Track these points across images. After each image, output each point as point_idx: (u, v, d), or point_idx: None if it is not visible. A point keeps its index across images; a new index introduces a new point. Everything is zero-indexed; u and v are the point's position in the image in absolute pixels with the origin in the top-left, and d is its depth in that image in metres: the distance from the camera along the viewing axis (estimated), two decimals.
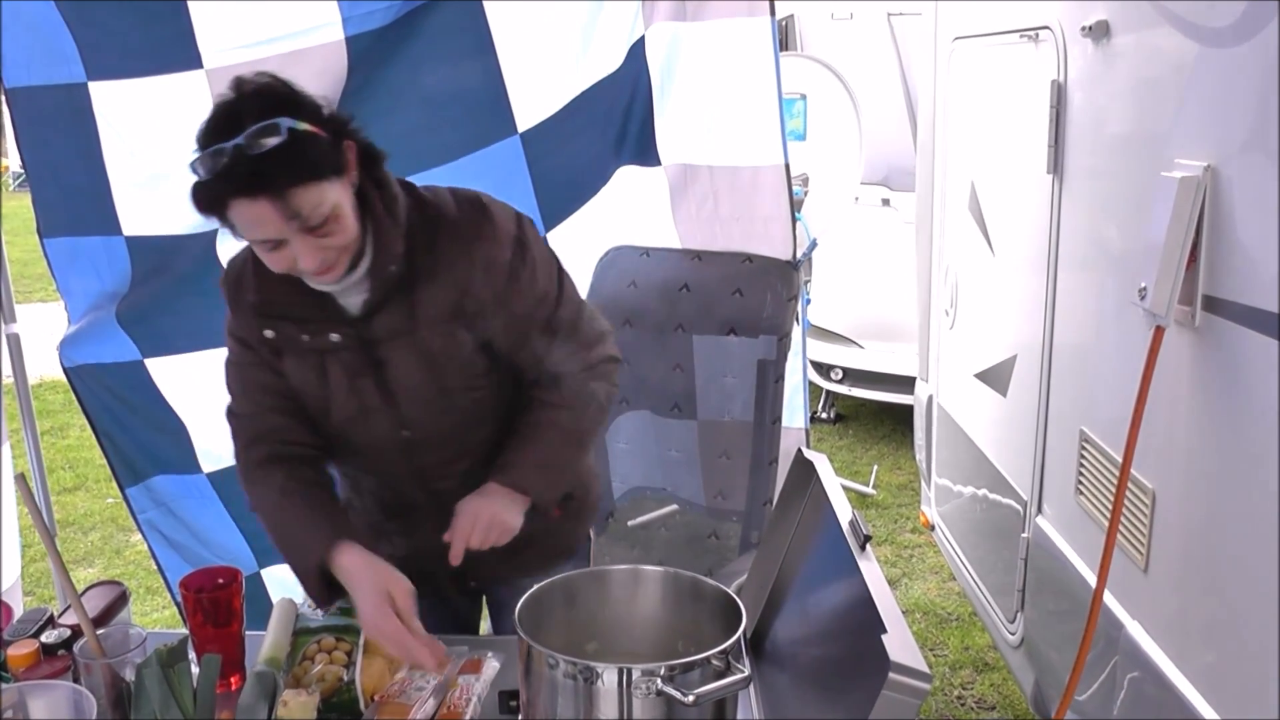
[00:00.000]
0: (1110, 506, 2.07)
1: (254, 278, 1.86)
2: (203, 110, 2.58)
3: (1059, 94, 2.54)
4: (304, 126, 1.63)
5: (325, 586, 1.80)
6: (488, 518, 1.86)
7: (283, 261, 1.70)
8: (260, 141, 1.58)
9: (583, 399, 1.97)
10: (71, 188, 2.72)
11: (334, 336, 1.85)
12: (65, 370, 2.88)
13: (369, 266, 1.80)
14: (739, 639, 1.50)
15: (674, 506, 3.11)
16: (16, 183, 16.78)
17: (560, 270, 1.97)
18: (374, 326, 1.84)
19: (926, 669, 1.19)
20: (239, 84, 1.68)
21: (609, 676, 1.44)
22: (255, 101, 1.64)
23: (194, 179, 1.63)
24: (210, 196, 1.63)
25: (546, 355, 1.94)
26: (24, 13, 2.55)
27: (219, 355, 2.82)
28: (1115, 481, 2.06)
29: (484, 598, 2.29)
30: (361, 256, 1.78)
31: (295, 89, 1.70)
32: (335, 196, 1.67)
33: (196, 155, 1.62)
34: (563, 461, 1.98)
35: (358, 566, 1.76)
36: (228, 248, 2.74)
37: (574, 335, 1.96)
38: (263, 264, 1.76)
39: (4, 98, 2.66)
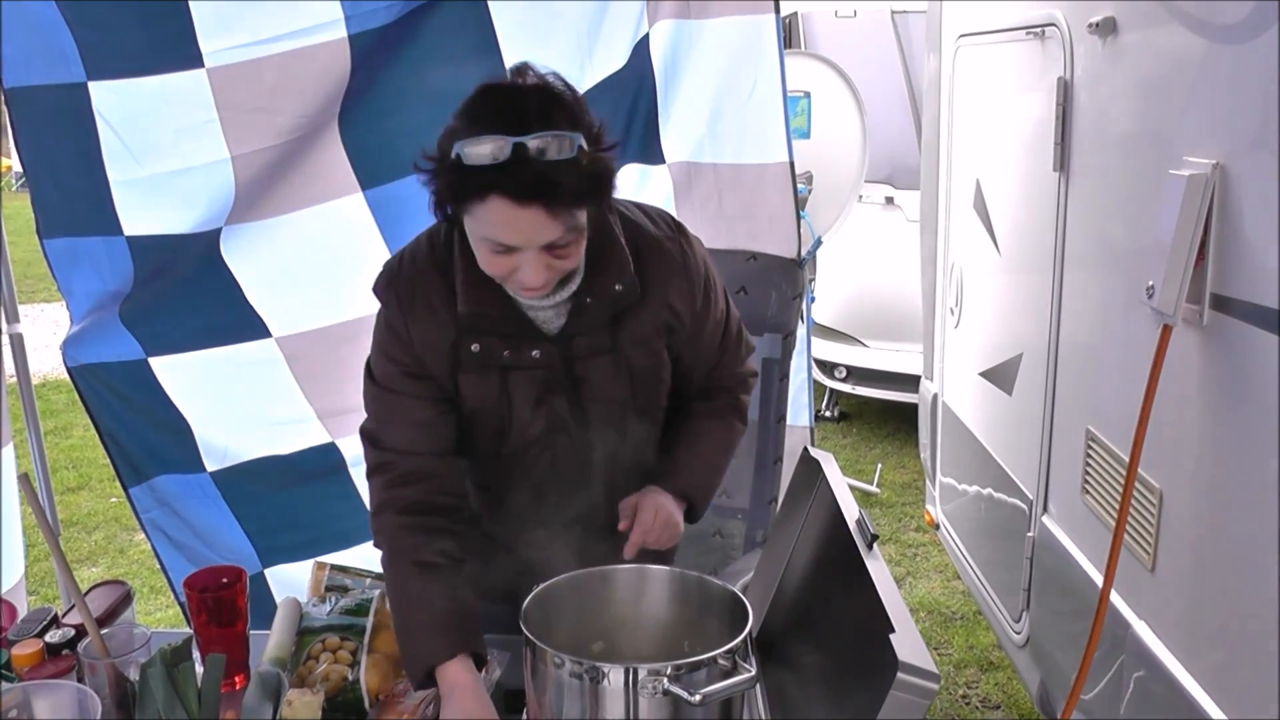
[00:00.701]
0: (1117, 506, 2.06)
1: (465, 288, 1.73)
2: (204, 109, 2.61)
3: (1065, 91, 2.53)
4: (586, 146, 1.55)
5: (428, 679, 1.70)
6: (665, 515, 1.85)
7: (502, 266, 1.62)
8: (552, 149, 1.50)
9: (734, 410, 2.01)
10: (71, 188, 2.71)
11: (535, 353, 1.77)
12: (68, 370, 2.88)
13: (580, 284, 1.74)
14: (745, 638, 1.50)
15: None
16: (19, 183, 16.79)
17: (726, 291, 1.98)
18: (575, 344, 1.79)
19: (935, 669, 1.19)
20: (521, 71, 1.62)
21: (615, 676, 1.43)
22: (540, 98, 1.57)
23: (456, 156, 1.53)
24: (473, 185, 1.53)
25: (715, 369, 1.97)
26: (24, 12, 2.54)
27: (222, 354, 2.85)
28: (1122, 481, 2.05)
29: None
30: (572, 277, 1.73)
31: (578, 96, 1.63)
32: (584, 223, 1.63)
33: (469, 137, 1.53)
34: (716, 470, 2.00)
35: (463, 687, 1.65)
36: (230, 248, 2.75)
37: (739, 350, 2.01)
38: (472, 274, 1.69)
39: (3, 98, 2.65)
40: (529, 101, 1.56)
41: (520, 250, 1.58)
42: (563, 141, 1.51)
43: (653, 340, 1.83)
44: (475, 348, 1.75)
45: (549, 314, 1.77)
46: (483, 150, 1.50)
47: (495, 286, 1.70)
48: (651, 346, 1.83)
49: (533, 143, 1.49)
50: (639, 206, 1.89)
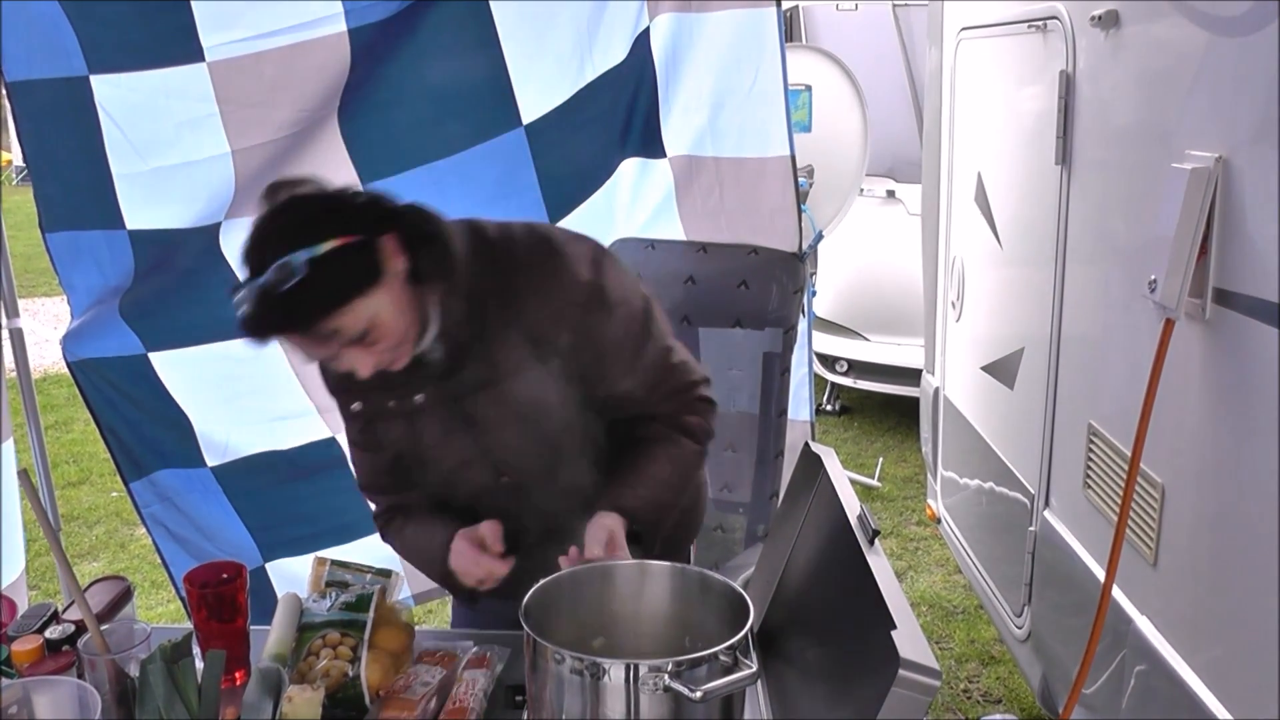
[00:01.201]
0: (1119, 500, 2.06)
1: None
2: (205, 103, 2.61)
3: (1068, 85, 2.52)
4: (326, 248, 1.57)
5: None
6: (615, 538, 1.80)
7: (343, 366, 1.70)
8: (280, 281, 1.55)
9: (679, 429, 1.95)
10: (73, 182, 2.71)
11: (419, 398, 1.84)
12: (69, 364, 2.87)
13: (438, 329, 1.77)
14: (746, 634, 1.49)
15: None
16: (19, 177, 16.79)
17: (647, 311, 1.91)
18: (455, 383, 1.82)
19: (937, 666, 1.18)
20: (273, 192, 1.68)
21: (615, 672, 1.42)
22: (280, 224, 1.63)
23: (240, 313, 1.61)
24: (252, 331, 1.62)
25: (635, 396, 1.92)
26: (25, 6, 2.53)
27: (222, 349, 2.85)
28: (1124, 475, 2.05)
29: None
30: (427, 325, 1.76)
31: (325, 196, 1.68)
32: (371, 308, 1.63)
33: (235, 288, 1.62)
34: (664, 486, 1.93)
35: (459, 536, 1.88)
36: (230, 243, 2.75)
37: (665, 379, 1.94)
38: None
39: (5, 91, 2.64)
40: (268, 232, 1.62)
41: (336, 354, 1.68)
42: (285, 270, 1.55)
43: (529, 367, 1.82)
44: (357, 406, 1.91)
45: (424, 359, 1.79)
46: (241, 302, 1.59)
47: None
48: (531, 373, 1.82)
49: (266, 281, 1.56)
50: (528, 229, 1.88)
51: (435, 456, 1.92)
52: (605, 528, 1.79)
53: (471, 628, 2.07)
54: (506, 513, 1.92)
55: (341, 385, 1.90)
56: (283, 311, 1.58)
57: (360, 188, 2.73)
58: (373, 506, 2.10)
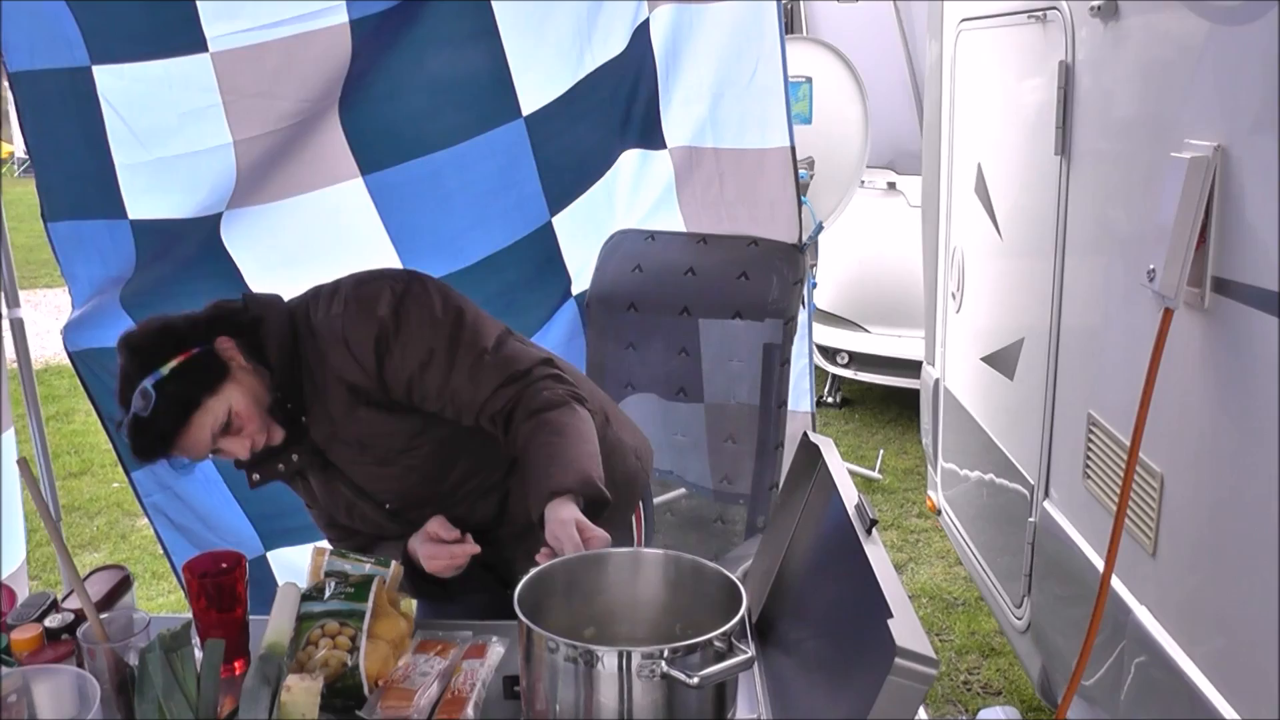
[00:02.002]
0: (1118, 490, 2.06)
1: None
2: (208, 94, 2.61)
3: (1067, 75, 2.52)
4: (169, 368, 1.86)
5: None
6: (579, 523, 1.77)
7: (226, 456, 1.97)
8: (143, 407, 1.83)
9: (547, 405, 1.97)
10: (75, 172, 2.71)
11: (294, 457, 2.06)
12: (70, 354, 2.88)
13: (279, 402, 1.99)
14: (741, 620, 1.50)
15: (681, 491, 3.11)
16: (21, 168, 16.78)
17: (455, 326, 2.02)
18: (311, 439, 2.05)
19: (933, 654, 1.18)
20: (125, 341, 1.92)
21: (609, 660, 1.43)
22: (130, 361, 1.88)
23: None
24: (142, 456, 1.90)
25: (466, 406, 2.01)
26: None
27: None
28: (1123, 465, 2.05)
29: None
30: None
31: (161, 324, 1.94)
32: (225, 401, 1.90)
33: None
34: (580, 459, 1.91)
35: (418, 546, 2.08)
36: (231, 233, 2.76)
37: (491, 376, 2.00)
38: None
39: (7, 82, 2.64)
40: (128, 372, 1.89)
41: (217, 449, 1.95)
42: (137, 400, 1.84)
43: (351, 409, 2.01)
44: (255, 477, 2.10)
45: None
46: (125, 435, 1.88)
47: None
48: (355, 414, 2.01)
49: (129, 417, 1.86)
50: (330, 288, 2.08)
51: (330, 503, 2.17)
52: (563, 520, 1.76)
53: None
54: (411, 531, 2.12)
55: (239, 463, 2.04)
56: (155, 431, 1.84)
57: (361, 179, 2.75)
58: None
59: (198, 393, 1.87)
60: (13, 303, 2.91)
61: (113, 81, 2.62)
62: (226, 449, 1.93)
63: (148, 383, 1.84)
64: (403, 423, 2.03)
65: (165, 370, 1.85)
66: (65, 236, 2.77)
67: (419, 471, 2.09)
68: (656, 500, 3.09)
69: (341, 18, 2.61)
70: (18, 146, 17.07)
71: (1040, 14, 2.67)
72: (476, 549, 2.02)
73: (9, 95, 2.66)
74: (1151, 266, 1.90)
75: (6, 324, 2.90)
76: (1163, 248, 1.86)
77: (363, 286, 2.03)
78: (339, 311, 2.00)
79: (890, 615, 1.24)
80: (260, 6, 2.59)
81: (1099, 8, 2.29)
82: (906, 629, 1.21)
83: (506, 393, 1.99)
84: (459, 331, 2.01)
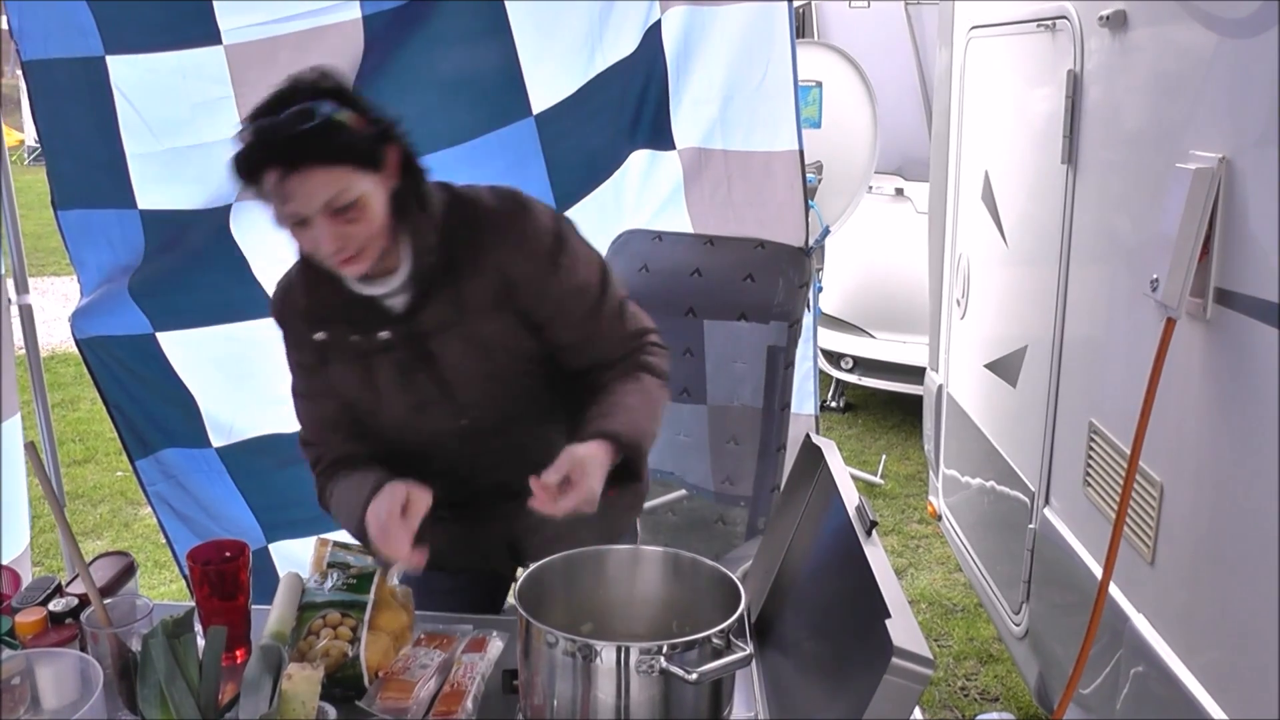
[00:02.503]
0: (1118, 499, 2.07)
1: (302, 284, 1.95)
2: (220, 85, 2.62)
3: (1075, 85, 2.53)
4: (344, 115, 1.71)
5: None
6: (582, 465, 1.78)
7: (307, 241, 1.77)
8: (297, 120, 1.67)
9: (641, 367, 2.00)
10: (87, 161, 2.73)
11: (382, 334, 1.90)
12: (77, 341, 2.89)
13: (410, 270, 1.86)
14: (739, 618, 1.51)
15: (682, 491, 3.11)
16: (31, 156, 16.82)
17: (604, 268, 2.02)
18: (422, 320, 1.89)
19: (930, 655, 1.19)
20: (296, 79, 1.77)
21: (607, 654, 1.44)
22: (305, 91, 1.73)
23: (237, 149, 1.72)
24: (248, 165, 1.71)
25: (591, 345, 1.98)
26: None
27: (230, 330, 2.86)
28: (1123, 474, 2.05)
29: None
30: (400, 262, 1.85)
31: (345, 84, 1.79)
32: (364, 187, 1.73)
33: (241, 127, 1.72)
34: (638, 417, 1.92)
35: (392, 481, 1.84)
36: (240, 225, 2.77)
37: (617, 328, 2.01)
38: (311, 271, 1.89)
39: (21, 71, 2.66)
40: (293, 92, 1.74)
41: (311, 222, 1.72)
42: (304, 113, 1.69)
43: (494, 309, 1.90)
44: (320, 336, 1.94)
45: (391, 299, 1.89)
46: (247, 133, 1.72)
47: (337, 280, 1.87)
48: (495, 314, 1.90)
49: (284, 118, 1.69)
50: (490, 188, 1.96)
51: (393, 398, 1.95)
52: (591, 457, 1.78)
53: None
54: (458, 462, 2.00)
55: (310, 313, 1.94)
56: (288, 148, 1.68)
57: None
58: (312, 464, 2.07)
59: (351, 155, 1.72)
60: (21, 289, 2.93)
61: (126, 71, 2.64)
62: (315, 233, 1.73)
63: (324, 108, 1.70)
64: (532, 342, 1.94)
65: (343, 114, 1.72)
66: (75, 224, 2.78)
67: (521, 399, 1.99)
68: (657, 501, 3.10)
69: (354, 13, 2.63)
70: (28, 135, 17.11)
71: (1050, 23, 2.68)
72: (421, 563, 1.81)
73: (22, 83, 2.67)
74: (1155, 276, 1.90)
75: (16, 310, 2.92)
76: (1166, 258, 1.87)
77: (529, 200, 1.95)
78: (516, 210, 1.92)
79: (888, 616, 1.25)
80: (274, 1, 2.60)
81: (1108, 18, 2.30)
82: (904, 629, 1.22)
83: (628, 345, 2.01)
84: (606, 275, 2.01)
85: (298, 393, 2.07)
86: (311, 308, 1.94)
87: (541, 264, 1.90)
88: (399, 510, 1.78)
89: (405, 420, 1.98)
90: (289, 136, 1.68)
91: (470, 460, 2.02)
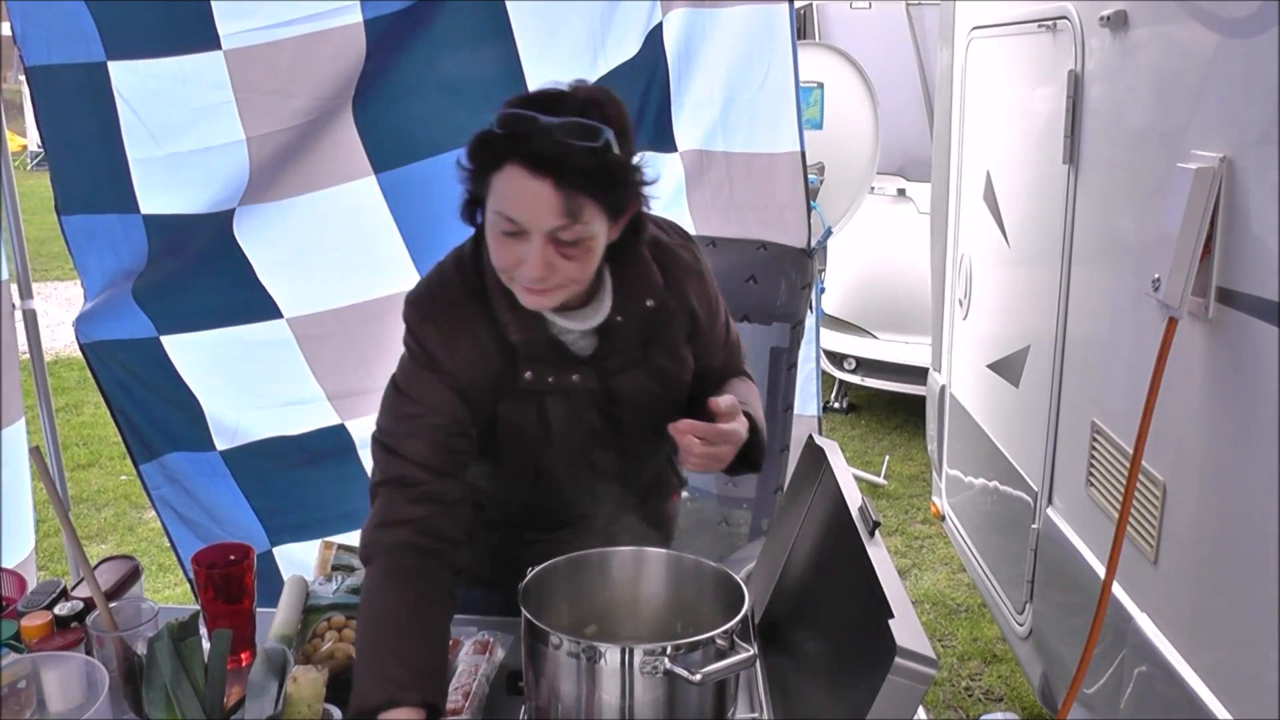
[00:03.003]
0: (1121, 498, 2.07)
1: (510, 316, 1.74)
2: (221, 90, 2.62)
3: (1076, 85, 2.53)
4: (618, 154, 1.59)
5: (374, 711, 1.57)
6: (734, 426, 1.73)
7: (508, 255, 1.62)
8: (577, 133, 1.54)
9: (742, 374, 2.05)
10: (90, 166, 2.73)
11: (575, 377, 1.79)
12: (81, 346, 2.90)
13: (610, 308, 1.77)
14: (743, 619, 1.51)
15: (684, 493, 3.11)
16: (35, 161, 16.84)
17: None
18: (609, 364, 1.81)
19: (933, 655, 1.20)
20: (581, 87, 1.66)
21: (611, 656, 1.44)
22: (586, 106, 1.60)
23: (485, 129, 1.59)
24: (495, 150, 1.58)
25: (722, 367, 2.00)
26: None
27: (234, 334, 2.87)
28: (1126, 473, 2.06)
29: None
30: (596, 302, 1.77)
31: (622, 110, 1.66)
32: (598, 230, 1.62)
33: (503, 111, 1.59)
34: (757, 410, 1.91)
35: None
36: (243, 229, 2.77)
37: (737, 349, 2.06)
38: (511, 302, 1.71)
39: (24, 76, 2.67)
40: (571, 99, 1.60)
41: (528, 238, 1.59)
42: (587, 128, 1.54)
43: (680, 346, 1.87)
44: (529, 375, 1.76)
45: (581, 339, 1.79)
46: (508, 116, 1.57)
47: (534, 315, 1.73)
48: (678, 352, 1.87)
49: (555, 120, 1.53)
50: (657, 220, 1.89)
51: (561, 438, 1.82)
52: (731, 400, 1.73)
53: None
54: (582, 491, 1.88)
55: (525, 348, 1.76)
56: (552, 156, 1.53)
57: (374, 177, 2.77)
58: (384, 478, 1.75)
59: (614, 196, 1.61)
60: (25, 294, 2.94)
61: (127, 77, 2.64)
62: (526, 251, 1.59)
63: (607, 133, 1.56)
64: (689, 373, 1.91)
65: (611, 141, 1.57)
66: (78, 230, 2.79)
67: (661, 425, 1.76)
68: None
69: (356, 17, 2.63)
70: (31, 140, 17.15)
71: (1051, 23, 2.69)
72: None
73: (25, 89, 2.68)
74: (1156, 276, 1.91)
75: (19, 315, 2.93)
76: (1168, 257, 1.88)
77: (686, 234, 1.94)
78: (691, 245, 1.91)
79: (891, 616, 1.25)
80: (274, 5, 2.61)
81: (1109, 18, 2.30)
82: (907, 629, 1.22)
83: (735, 362, 2.05)
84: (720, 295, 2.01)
85: (419, 400, 1.75)
86: (526, 343, 1.76)
87: (712, 297, 1.93)
88: None
89: (570, 457, 1.85)
90: (560, 145, 1.54)
91: (594, 490, 1.89)
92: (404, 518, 1.69)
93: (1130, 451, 2.05)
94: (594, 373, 1.80)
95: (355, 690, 1.58)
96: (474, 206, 1.70)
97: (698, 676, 1.41)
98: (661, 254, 1.84)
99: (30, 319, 2.96)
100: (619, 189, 1.62)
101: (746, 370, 2.09)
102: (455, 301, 1.76)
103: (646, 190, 1.70)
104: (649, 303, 1.80)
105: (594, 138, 1.54)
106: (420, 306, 1.78)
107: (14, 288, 2.89)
